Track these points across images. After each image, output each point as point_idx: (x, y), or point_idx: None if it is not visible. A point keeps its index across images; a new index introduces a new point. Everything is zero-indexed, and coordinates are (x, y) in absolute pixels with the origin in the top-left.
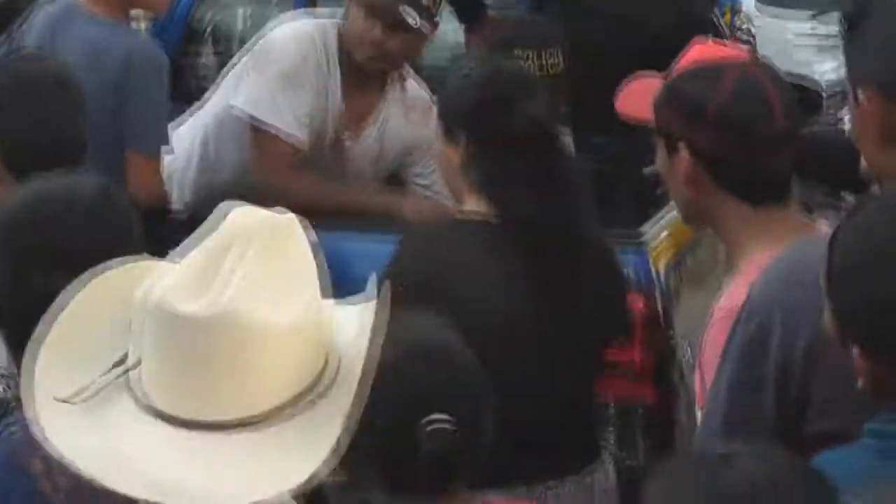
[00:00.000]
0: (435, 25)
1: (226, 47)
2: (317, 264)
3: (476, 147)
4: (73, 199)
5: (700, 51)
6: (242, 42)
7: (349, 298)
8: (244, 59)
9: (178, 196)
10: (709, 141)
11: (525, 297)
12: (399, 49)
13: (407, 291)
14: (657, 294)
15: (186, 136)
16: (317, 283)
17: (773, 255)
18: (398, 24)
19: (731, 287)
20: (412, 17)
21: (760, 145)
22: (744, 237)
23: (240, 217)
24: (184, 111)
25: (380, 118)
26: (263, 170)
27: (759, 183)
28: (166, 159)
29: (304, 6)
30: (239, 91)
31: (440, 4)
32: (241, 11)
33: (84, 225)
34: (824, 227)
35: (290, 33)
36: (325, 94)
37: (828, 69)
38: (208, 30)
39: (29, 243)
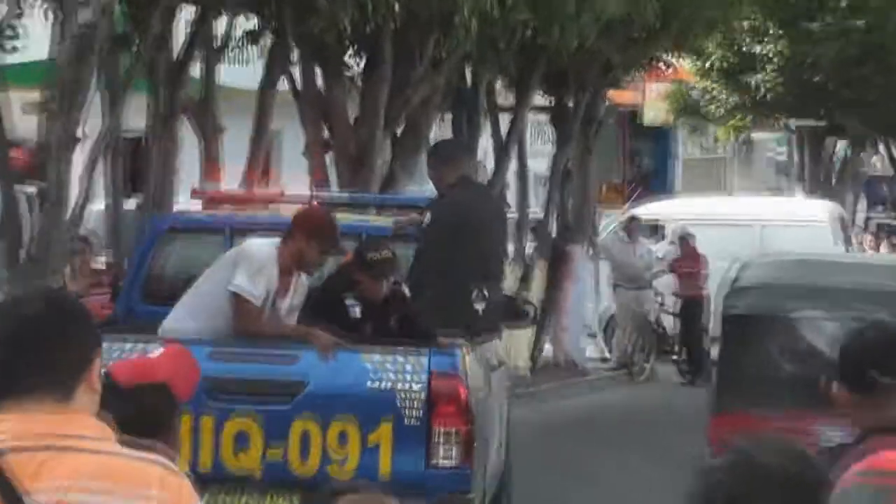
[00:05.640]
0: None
1: None
2: None
3: None
4: None
5: None
6: None
7: None
8: (228, 260)
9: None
10: None
11: None
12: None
13: None
14: None
15: (187, 307)
16: None
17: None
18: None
19: None
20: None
21: None
22: None
23: None
24: None
25: (290, 292)
26: (244, 320)
27: None
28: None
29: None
30: (234, 277)
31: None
32: None
33: None
34: None
35: (260, 244)
36: (271, 279)
37: None
38: None
39: None
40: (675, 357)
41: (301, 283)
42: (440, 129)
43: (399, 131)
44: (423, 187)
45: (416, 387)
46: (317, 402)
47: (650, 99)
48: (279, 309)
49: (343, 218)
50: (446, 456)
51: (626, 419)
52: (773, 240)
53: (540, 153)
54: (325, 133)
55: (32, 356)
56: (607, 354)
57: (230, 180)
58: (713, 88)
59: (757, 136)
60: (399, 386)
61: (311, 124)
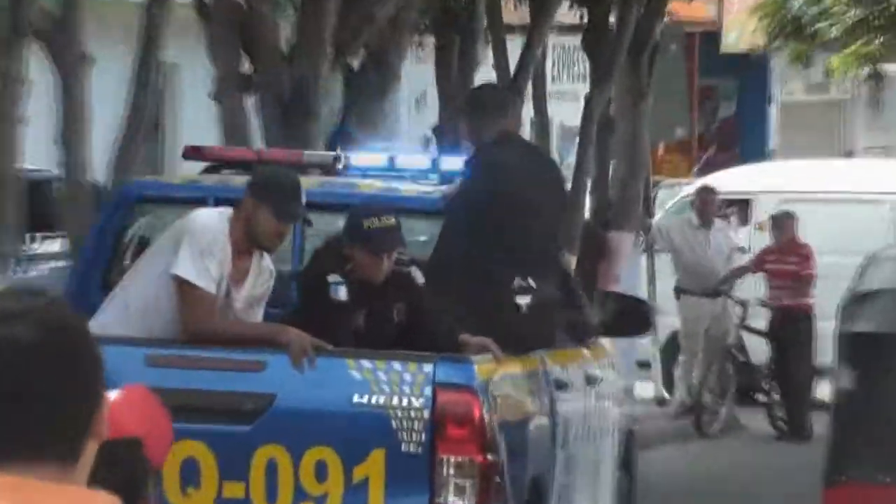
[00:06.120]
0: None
1: None
2: None
3: None
4: None
5: None
6: None
7: None
8: (168, 239)
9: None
10: None
11: None
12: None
13: None
14: None
15: (115, 305)
16: None
17: None
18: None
19: None
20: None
21: None
22: None
23: None
24: None
25: (249, 279)
26: (193, 314)
27: None
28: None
29: None
30: (175, 259)
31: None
32: None
33: None
34: None
35: (208, 215)
36: (224, 260)
37: None
38: None
39: None
40: (764, 398)
41: (265, 268)
42: (418, 62)
43: (356, 64)
44: (391, 147)
45: (416, 403)
46: (288, 422)
47: (732, 15)
48: (234, 300)
49: (367, 187)
50: (457, 493)
51: (693, 490)
52: None
53: (567, 94)
54: (245, 66)
55: (30, 406)
56: (665, 394)
57: (100, 132)
58: None
59: (891, 68)
60: (395, 402)
61: (222, 53)
